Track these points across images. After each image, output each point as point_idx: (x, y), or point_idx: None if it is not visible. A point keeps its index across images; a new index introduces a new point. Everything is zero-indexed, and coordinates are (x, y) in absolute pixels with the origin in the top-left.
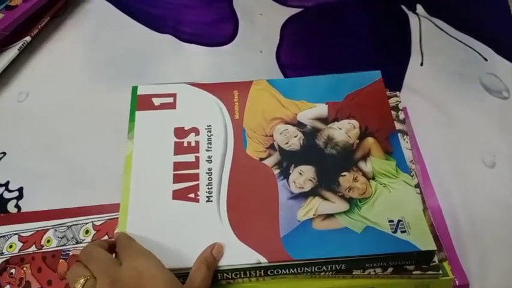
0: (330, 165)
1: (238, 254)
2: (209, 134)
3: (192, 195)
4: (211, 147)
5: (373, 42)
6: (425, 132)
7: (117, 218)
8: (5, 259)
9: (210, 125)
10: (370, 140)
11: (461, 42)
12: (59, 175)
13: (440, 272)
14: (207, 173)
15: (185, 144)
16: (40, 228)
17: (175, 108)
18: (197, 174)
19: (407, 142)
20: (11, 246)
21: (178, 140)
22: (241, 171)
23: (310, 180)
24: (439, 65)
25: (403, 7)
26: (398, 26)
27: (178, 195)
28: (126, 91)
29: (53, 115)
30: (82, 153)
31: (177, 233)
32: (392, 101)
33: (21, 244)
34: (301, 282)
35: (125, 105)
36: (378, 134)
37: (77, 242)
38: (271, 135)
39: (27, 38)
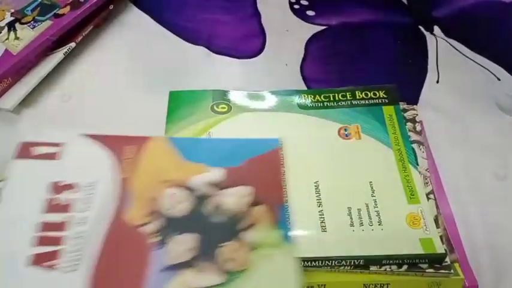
0: (214, 234)
1: None
2: (90, 193)
3: (51, 263)
4: (89, 208)
5: (392, 60)
6: (440, 144)
7: None
8: None
9: (93, 182)
10: (259, 209)
11: (476, 62)
12: None
13: (452, 271)
14: (76, 237)
15: (58, 201)
16: None
17: (58, 159)
18: (60, 238)
19: (423, 152)
20: None
21: (51, 197)
22: (117, 238)
23: (191, 250)
24: (454, 83)
25: (421, 28)
26: (416, 46)
27: (36, 261)
28: (162, 98)
29: (93, 117)
30: None
31: None
32: (410, 114)
33: None
34: (320, 275)
35: (161, 110)
36: (268, 203)
37: None
38: (158, 199)
39: (72, 44)
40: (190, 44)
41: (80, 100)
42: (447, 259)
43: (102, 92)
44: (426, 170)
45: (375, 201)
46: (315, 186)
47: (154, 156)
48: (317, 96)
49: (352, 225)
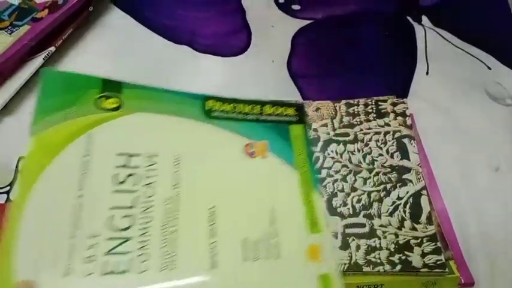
0: None
1: None
2: None
3: None
4: None
5: (380, 51)
6: (432, 137)
7: None
8: None
9: None
10: None
11: (465, 51)
12: None
13: (447, 270)
14: None
15: None
16: None
17: None
18: None
19: (414, 146)
20: None
21: None
22: None
23: None
24: (444, 74)
25: (409, 18)
26: (404, 36)
27: None
28: None
29: None
30: None
31: None
32: (400, 108)
33: None
34: None
35: None
36: None
37: None
38: None
39: (52, 49)
40: (173, 43)
41: None
42: (442, 257)
43: None
44: (418, 165)
45: (275, 231)
46: (210, 212)
47: None
48: (224, 104)
49: (246, 259)
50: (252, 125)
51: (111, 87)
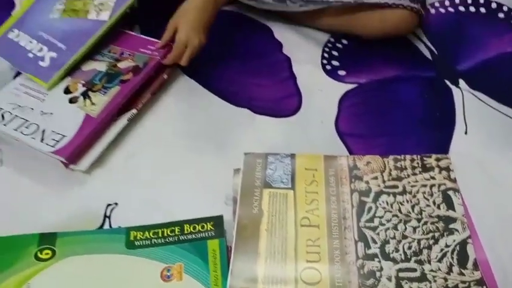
0: None
1: None
2: None
3: None
4: None
5: (420, 112)
6: (472, 190)
7: None
8: None
9: None
10: None
11: (501, 112)
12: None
13: None
14: None
15: None
16: None
17: None
18: None
19: (458, 198)
20: None
21: None
22: None
23: None
24: (482, 133)
25: (447, 82)
26: (443, 98)
27: None
28: (212, 155)
29: (156, 173)
30: (178, 206)
31: None
32: (443, 163)
33: None
34: None
35: (212, 167)
36: None
37: None
38: None
39: (134, 111)
40: (234, 106)
41: (142, 160)
42: None
43: (160, 152)
44: (463, 215)
45: None
46: None
47: None
48: (146, 232)
49: None
50: (171, 248)
51: (46, 239)
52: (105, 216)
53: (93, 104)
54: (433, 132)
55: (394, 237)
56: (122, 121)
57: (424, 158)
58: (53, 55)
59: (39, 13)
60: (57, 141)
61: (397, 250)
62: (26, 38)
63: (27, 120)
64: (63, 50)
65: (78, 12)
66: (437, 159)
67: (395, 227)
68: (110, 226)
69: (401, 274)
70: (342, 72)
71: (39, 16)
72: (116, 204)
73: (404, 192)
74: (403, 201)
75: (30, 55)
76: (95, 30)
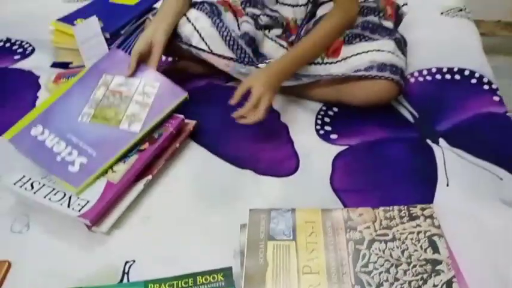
0: None
1: None
2: None
3: None
4: None
5: (406, 168)
6: (454, 237)
7: None
8: None
9: None
10: None
11: (479, 166)
12: None
13: None
14: None
15: None
16: None
17: None
18: None
19: (443, 243)
20: None
21: None
22: None
23: None
24: (462, 185)
25: (429, 141)
26: (426, 156)
27: None
28: (220, 213)
29: (170, 232)
30: (191, 260)
31: None
32: (428, 212)
33: None
34: None
35: (221, 223)
36: None
37: None
38: None
39: (149, 177)
40: (239, 169)
41: (157, 221)
42: None
43: (175, 213)
44: (447, 257)
45: None
46: None
47: None
48: (162, 285)
49: None
50: None
51: None
52: (123, 272)
53: (113, 172)
54: (418, 185)
55: (387, 280)
56: (139, 186)
57: (410, 208)
58: (83, 160)
59: (65, 113)
60: (82, 206)
61: None
62: (52, 139)
63: (54, 189)
64: (94, 156)
65: (109, 120)
66: (422, 209)
67: (387, 271)
68: (128, 281)
69: None
70: (334, 136)
71: (66, 116)
72: (134, 261)
73: (394, 239)
74: (394, 247)
75: (59, 158)
76: (126, 141)
